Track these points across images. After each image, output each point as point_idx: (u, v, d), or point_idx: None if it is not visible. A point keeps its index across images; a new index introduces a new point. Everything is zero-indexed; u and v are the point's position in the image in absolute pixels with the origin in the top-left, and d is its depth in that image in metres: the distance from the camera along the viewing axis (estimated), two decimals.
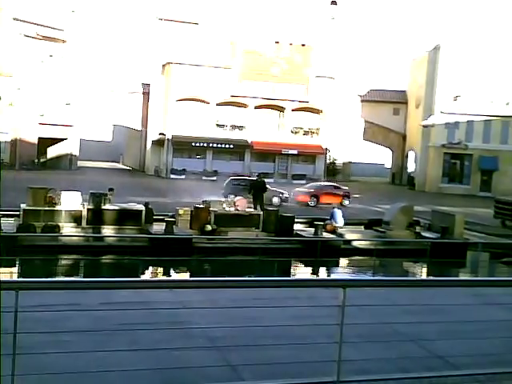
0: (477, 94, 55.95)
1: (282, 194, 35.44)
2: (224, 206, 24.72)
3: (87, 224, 22.10)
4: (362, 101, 65.29)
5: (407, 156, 64.60)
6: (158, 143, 57.14)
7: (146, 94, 60.32)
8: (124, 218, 22.65)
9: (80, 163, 57.26)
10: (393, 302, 7.00)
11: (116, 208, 22.96)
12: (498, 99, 56.34)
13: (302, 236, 23.34)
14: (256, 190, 28.04)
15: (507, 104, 56.79)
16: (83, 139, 58.98)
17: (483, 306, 8.21)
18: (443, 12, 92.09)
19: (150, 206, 23.59)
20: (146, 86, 60.49)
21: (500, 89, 56.03)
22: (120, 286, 4.39)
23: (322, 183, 44.07)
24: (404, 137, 64.78)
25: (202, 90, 54.32)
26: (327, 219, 25.68)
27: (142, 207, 23.29)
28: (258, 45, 56.15)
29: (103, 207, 22.60)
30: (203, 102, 55.18)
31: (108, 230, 22.06)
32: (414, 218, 26.96)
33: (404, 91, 65.78)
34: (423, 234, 25.51)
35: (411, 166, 63.71)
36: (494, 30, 60.46)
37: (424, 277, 20.30)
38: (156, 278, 18.76)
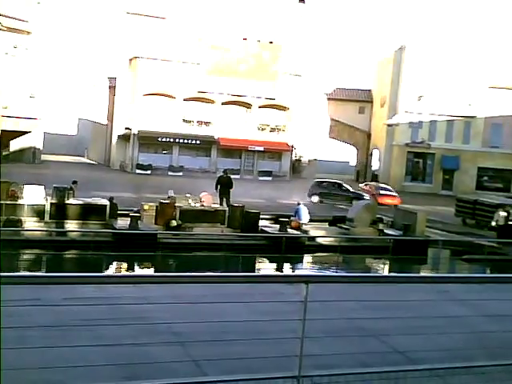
0: (440, 95, 56.86)
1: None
2: (190, 201, 24.68)
3: (50, 218, 21.84)
4: (329, 99, 65.74)
5: (372, 154, 65.28)
6: (124, 138, 56.62)
7: (113, 88, 59.65)
8: (88, 212, 22.45)
9: (44, 157, 56.36)
10: (356, 297, 7.09)
11: (80, 202, 22.74)
12: (460, 100, 57.33)
13: (267, 232, 23.44)
14: (222, 185, 28.04)
15: (469, 105, 57.80)
16: (47, 132, 58.05)
17: (444, 302, 8.36)
18: (409, 13, 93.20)
19: (114, 201, 23.41)
20: (113, 79, 59.81)
21: (462, 90, 57.02)
22: (83, 281, 4.36)
23: (376, 184, 46.36)
24: (369, 135, 65.45)
25: (169, 85, 54.00)
26: (292, 216, 25.83)
27: (106, 202, 23.10)
28: (225, 41, 56.04)
29: (67, 202, 22.36)
30: (170, 97, 54.86)
31: (71, 225, 21.83)
32: (377, 216, 27.32)
33: (369, 90, 66.44)
34: (386, 231, 25.88)
35: (375, 164, 64.41)
36: (458, 32, 61.44)
37: (386, 273, 20.59)
38: (120, 273, 18.64)
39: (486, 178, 60.09)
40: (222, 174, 30.44)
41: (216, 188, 28.17)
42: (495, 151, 59.03)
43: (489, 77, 57.08)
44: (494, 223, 28.46)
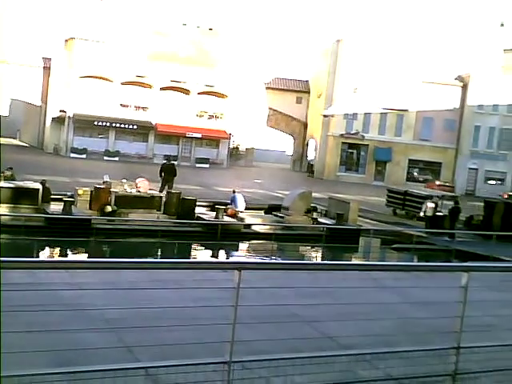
0: (375, 88, 57.99)
1: None
2: (125, 187, 24.36)
3: None
4: (267, 88, 66.03)
5: (308, 144, 66.06)
6: (59, 120, 55.23)
7: (47, 69, 58.02)
8: (19, 196, 21.80)
9: None
10: (289, 285, 7.22)
11: (11, 186, 22.07)
12: (394, 93, 58.61)
13: (203, 219, 23.43)
14: (166, 173, 27.91)
15: (402, 98, 59.11)
16: None
17: (373, 290, 8.60)
18: (348, 6, 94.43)
19: (47, 185, 22.86)
20: (47, 60, 58.17)
21: (396, 83, 58.32)
22: (14, 267, 4.27)
23: None
24: (305, 125, 66.17)
25: (107, 68, 52.96)
26: (229, 203, 25.90)
27: (38, 186, 22.52)
28: (165, 26, 55.35)
29: None
30: (107, 80, 53.83)
31: (1, 209, 21.18)
32: (312, 205, 27.72)
33: (307, 81, 67.09)
34: (320, 219, 26.30)
35: (311, 154, 65.24)
36: (394, 28, 62.79)
37: (319, 261, 20.94)
38: (52, 259, 18.24)
39: (416, 169, 61.87)
40: (165, 161, 30.20)
41: (160, 175, 27.99)
42: (426, 144, 60.82)
43: (422, 72, 58.59)
44: (422, 214, 29.35)
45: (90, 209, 22.72)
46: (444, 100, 59.89)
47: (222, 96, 58.03)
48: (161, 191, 25.99)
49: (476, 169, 61.19)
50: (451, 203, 29.08)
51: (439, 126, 60.62)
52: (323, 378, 5.15)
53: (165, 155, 31.78)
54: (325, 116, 60.17)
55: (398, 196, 32.87)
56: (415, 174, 61.37)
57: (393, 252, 24.06)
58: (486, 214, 28.75)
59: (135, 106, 55.71)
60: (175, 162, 28.86)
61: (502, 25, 68.17)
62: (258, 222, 25.83)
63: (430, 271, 7.81)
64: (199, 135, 57.41)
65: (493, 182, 61.33)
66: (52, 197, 22.90)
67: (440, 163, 61.71)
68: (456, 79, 61.13)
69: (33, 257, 17.45)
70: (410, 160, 61.24)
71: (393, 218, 31.43)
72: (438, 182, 54.34)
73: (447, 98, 60.14)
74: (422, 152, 61.05)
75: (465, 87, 60.72)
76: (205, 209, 26.19)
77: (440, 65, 59.04)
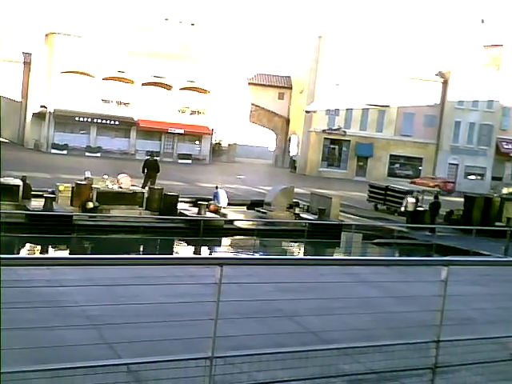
0: (356, 83, 58.18)
1: None
2: (107, 183, 24.24)
3: None
4: (249, 84, 65.96)
5: (290, 140, 66.15)
6: (39, 116, 54.73)
7: (27, 64, 57.43)
8: None
9: None
10: (271, 280, 7.24)
11: None
12: (375, 89, 58.84)
13: (185, 215, 23.39)
14: (149, 169, 27.82)
15: (383, 94, 59.38)
16: None
17: (355, 284, 8.66)
18: (331, 1, 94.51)
19: (27, 181, 22.68)
20: (28, 55, 57.58)
21: (378, 79, 58.55)
22: None
23: None
24: (288, 121, 66.23)
25: (88, 63, 52.54)
26: (211, 199, 25.88)
27: (19, 182, 22.33)
28: (147, 21, 55.05)
29: None
30: (88, 75, 53.41)
31: None
32: (294, 200, 27.81)
33: (289, 77, 67.13)
34: (302, 215, 26.40)
35: (293, 150, 65.34)
36: (377, 24, 63.03)
37: (301, 256, 21.01)
38: (32, 256, 18.11)
39: (397, 165, 62.26)
40: (148, 157, 30.00)
41: (143, 171, 27.89)
42: (407, 140, 61.22)
43: (403, 68, 58.88)
44: (403, 209, 29.56)
45: (72, 205, 22.58)
46: (425, 96, 60.29)
47: (204, 91, 57.88)
48: (143, 187, 25.91)
49: (456, 164, 61.72)
50: (431, 198, 29.34)
51: (420, 121, 61.03)
52: (306, 373, 5.18)
53: (147, 151, 31.48)
54: (307, 112, 60.27)
55: (380, 191, 33.07)
56: (397, 169, 61.73)
57: (374, 247, 24.22)
58: (465, 208, 29.06)
59: (117, 102, 55.36)
60: (158, 158, 28.66)
61: (483, 21, 68.76)
62: (240, 217, 25.84)
63: (411, 265, 7.88)
64: (181, 131, 57.21)
65: (473, 177, 61.95)
66: (33, 193, 22.72)
67: (421, 159, 62.16)
68: (437, 75, 61.56)
69: (13, 254, 17.31)
70: (391, 155, 61.60)
71: (374, 213, 31.63)
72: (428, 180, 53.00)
73: (428, 94, 60.55)
74: (403, 147, 61.44)
75: (445, 83, 61.16)
76: (187, 205, 26.14)
77: (421, 61, 59.40)
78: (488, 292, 9.03)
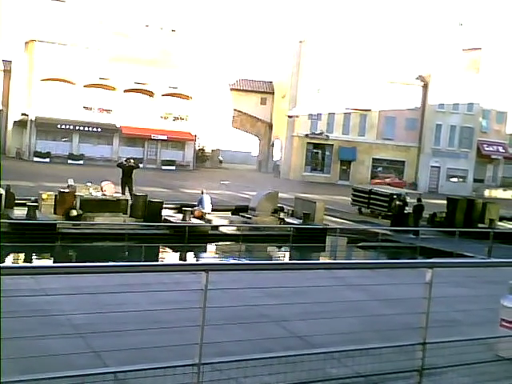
0: (338, 88, 58.44)
1: None
2: (91, 190, 24.09)
3: None
4: (231, 89, 66.05)
5: (273, 145, 66.27)
6: (21, 124, 54.33)
7: (8, 72, 56.98)
8: None
9: None
10: (257, 285, 7.24)
11: None
12: (357, 93, 59.14)
13: (170, 222, 23.31)
14: (124, 174, 27.53)
15: (365, 98, 59.67)
16: None
17: (341, 288, 8.69)
18: (312, 7, 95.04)
19: (11, 190, 22.49)
20: (8, 63, 57.14)
21: (359, 84, 58.87)
22: None
23: None
24: (270, 126, 66.35)
25: (69, 70, 52.30)
26: (196, 205, 25.82)
27: (1, 191, 22.13)
28: (127, 27, 54.93)
29: None
30: (69, 82, 53.17)
31: None
32: (279, 205, 27.81)
33: (271, 82, 67.31)
34: (287, 219, 26.41)
35: (277, 155, 65.45)
36: (356, 27, 63.38)
37: (287, 261, 21.01)
38: (16, 265, 17.94)
39: (380, 168, 62.59)
40: (122, 161, 29.31)
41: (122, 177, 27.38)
42: (389, 143, 61.62)
43: (384, 72, 59.26)
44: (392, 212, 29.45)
45: (55, 213, 22.39)
46: (405, 99, 60.72)
47: (186, 97, 57.84)
48: (123, 193, 25.69)
49: (438, 167, 62.17)
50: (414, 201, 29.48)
51: (401, 125, 61.45)
52: (293, 377, 5.19)
53: (127, 158, 30.48)
54: (289, 117, 60.42)
55: (363, 195, 33.18)
56: (379, 172, 62.05)
57: (359, 250, 24.27)
58: (448, 210, 29.24)
59: (99, 109, 55.15)
60: (132, 162, 28.07)
61: (461, 25, 69.43)
62: (225, 223, 25.80)
63: (395, 268, 7.92)
64: (164, 137, 57.10)
65: (455, 180, 62.45)
66: (16, 202, 22.52)
67: (403, 162, 62.56)
68: (417, 79, 62.03)
69: None
70: (373, 159, 61.93)
71: (358, 216, 31.73)
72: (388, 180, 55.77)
73: (409, 98, 60.99)
74: (386, 151, 61.81)
75: (425, 86, 61.65)
76: (172, 211, 26.05)
77: (401, 65, 59.84)
78: (472, 294, 9.09)
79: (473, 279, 9.27)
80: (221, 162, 67.71)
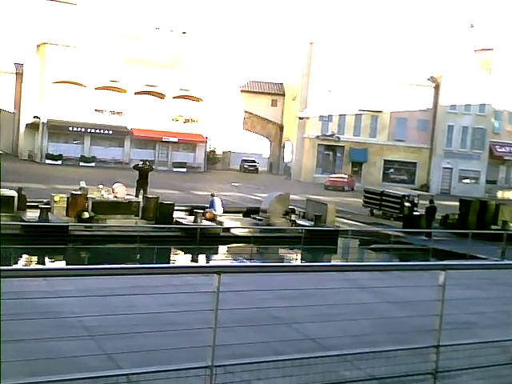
0: (349, 89, 58.34)
1: None
2: (102, 192, 24.16)
3: None
4: (242, 91, 66.07)
5: (284, 146, 66.21)
6: (33, 127, 54.66)
7: (20, 75, 57.37)
8: None
9: None
10: (269, 287, 7.21)
11: None
12: (368, 95, 59.01)
13: (181, 224, 23.33)
14: (141, 177, 27.68)
15: (376, 100, 59.54)
16: None
17: (353, 290, 8.64)
18: (323, 8, 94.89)
19: (23, 192, 22.60)
20: (20, 66, 57.53)
21: (371, 85, 58.74)
22: None
23: None
24: (281, 128, 66.31)
25: (80, 73, 52.56)
26: (207, 207, 25.83)
27: (14, 193, 22.25)
28: (138, 30, 55.14)
29: None
30: (81, 85, 53.43)
31: None
32: (290, 207, 27.76)
33: (282, 83, 67.26)
34: (298, 221, 26.33)
35: (288, 156, 65.37)
36: (367, 29, 63.20)
37: (298, 262, 20.96)
38: (29, 267, 18.03)
39: (391, 170, 62.38)
40: (140, 163, 29.42)
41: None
42: (400, 144, 61.38)
43: (395, 73, 59.11)
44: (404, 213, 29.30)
45: (67, 215, 22.48)
46: (417, 101, 60.49)
47: (197, 100, 57.93)
48: (136, 196, 25.82)
49: (450, 168, 61.87)
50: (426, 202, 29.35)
51: (413, 126, 61.22)
52: (306, 380, 5.16)
53: (144, 161, 30.90)
54: (300, 118, 60.35)
55: (375, 196, 33.07)
56: (391, 174, 61.85)
57: (371, 252, 24.18)
58: (461, 212, 29.07)
59: (110, 111, 55.37)
60: (148, 165, 28.44)
61: (472, 26, 69.11)
62: (236, 225, 25.78)
63: (408, 270, 7.86)
64: (175, 139, 57.22)
65: (467, 181, 62.12)
66: (28, 204, 22.63)
67: (415, 163, 62.32)
68: (428, 80, 61.80)
69: (9, 265, 17.21)
70: (385, 160, 61.73)
71: (370, 218, 31.62)
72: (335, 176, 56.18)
73: (420, 99, 60.76)
74: (397, 152, 61.59)
75: (437, 88, 61.40)
76: (183, 213, 26.08)
77: (412, 66, 59.63)
78: (486, 296, 9.01)
79: (486, 281, 9.18)
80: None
